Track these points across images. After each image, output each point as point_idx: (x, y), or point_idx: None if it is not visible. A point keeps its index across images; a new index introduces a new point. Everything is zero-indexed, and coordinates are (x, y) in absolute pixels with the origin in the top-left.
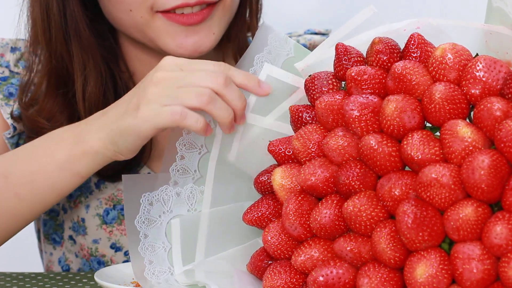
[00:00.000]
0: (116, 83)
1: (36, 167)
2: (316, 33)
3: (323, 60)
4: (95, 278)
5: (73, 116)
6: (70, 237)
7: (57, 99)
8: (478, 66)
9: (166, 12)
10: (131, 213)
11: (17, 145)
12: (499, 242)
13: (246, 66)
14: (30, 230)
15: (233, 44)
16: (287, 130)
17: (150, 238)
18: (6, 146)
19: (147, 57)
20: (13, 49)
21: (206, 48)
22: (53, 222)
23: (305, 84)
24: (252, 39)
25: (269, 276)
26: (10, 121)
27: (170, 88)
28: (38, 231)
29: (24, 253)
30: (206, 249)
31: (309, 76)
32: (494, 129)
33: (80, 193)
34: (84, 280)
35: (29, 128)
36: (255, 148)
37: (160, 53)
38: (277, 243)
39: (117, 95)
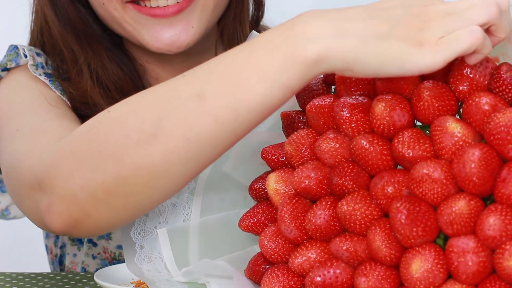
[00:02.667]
0: (130, 71)
1: (236, 85)
2: None
3: None
4: (95, 278)
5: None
6: (90, 240)
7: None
8: (465, 63)
9: (136, 3)
10: (127, 225)
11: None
12: (492, 233)
13: None
14: (30, 230)
15: (226, 38)
16: (281, 138)
17: (146, 249)
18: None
19: (145, 57)
20: (38, 54)
21: (185, 43)
22: None
23: None
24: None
25: (267, 280)
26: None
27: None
28: None
29: (24, 253)
30: (199, 258)
31: None
32: (483, 123)
33: None
34: (84, 280)
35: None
36: (251, 160)
37: (166, 57)
38: (273, 247)
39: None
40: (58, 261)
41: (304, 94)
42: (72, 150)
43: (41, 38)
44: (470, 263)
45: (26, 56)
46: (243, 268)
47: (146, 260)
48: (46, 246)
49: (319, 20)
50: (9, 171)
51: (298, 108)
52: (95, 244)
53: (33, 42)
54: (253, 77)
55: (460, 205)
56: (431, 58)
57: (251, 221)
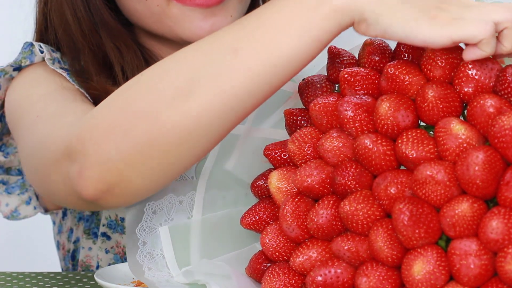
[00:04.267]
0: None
1: (268, 40)
2: None
3: (316, 64)
4: (95, 278)
5: None
6: (104, 234)
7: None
8: (470, 64)
9: None
10: (133, 222)
11: None
12: (495, 237)
13: None
14: (30, 231)
15: None
16: (284, 136)
17: (149, 245)
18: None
19: (164, 53)
20: (53, 50)
21: None
22: (94, 217)
23: (299, 88)
24: None
25: (268, 278)
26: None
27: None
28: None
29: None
30: (201, 255)
31: (303, 80)
32: (488, 126)
33: None
34: (84, 280)
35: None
36: (254, 158)
37: (176, 45)
38: (275, 245)
39: None
40: (71, 257)
41: (308, 92)
42: (104, 114)
43: (54, 38)
44: (472, 266)
45: (42, 52)
46: (244, 266)
47: (147, 257)
48: (58, 242)
49: None
50: (31, 154)
51: (301, 106)
52: (109, 238)
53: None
54: (284, 32)
55: (463, 208)
56: (438, 32)
57: (253, 218)
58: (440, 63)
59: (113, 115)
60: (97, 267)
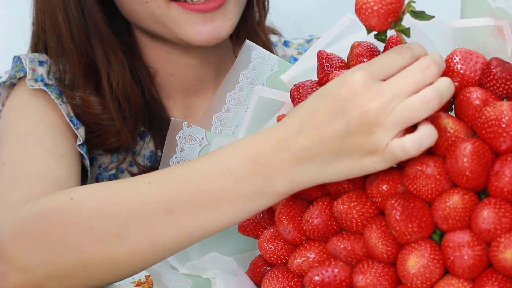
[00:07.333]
0: (138, 76)
1: (206, 207)
2: None
3: (307, 70)
4: None
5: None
6: None
7: (91, 89)
8: (455, 59)
9: (180, 1)
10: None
11: (88, 154)
12: (487, 227)
13: (231, 83)
14: None
15: (243, 39)
16: None
17: None
18: (78, 156)
19: (164, 52)
20: (41, 63)
21: (224, 34)
22: None
23: (290, 93)
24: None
25: (267, 281)
26: (73, 120)
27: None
28: None
29: None
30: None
31: (294, 85)
32: (475, 118)
33: None
34: None
35: (84, 113)
36: None
37: (176, 45)
38: (273, 249)
39: (141, 89)
40: None
41: (300, 97)
42: (35, 228)
43: (46, 43)
44: (466, 257)
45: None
46: (244, 271)
47: None
48: None
49: (277, 155)
50: None
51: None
52: None
53: (34, 47)
54: (224, 204)
55: (455, 200)
56: (383, 165)
57: (250, 223)
58: None
59: (43, 234)
60: None
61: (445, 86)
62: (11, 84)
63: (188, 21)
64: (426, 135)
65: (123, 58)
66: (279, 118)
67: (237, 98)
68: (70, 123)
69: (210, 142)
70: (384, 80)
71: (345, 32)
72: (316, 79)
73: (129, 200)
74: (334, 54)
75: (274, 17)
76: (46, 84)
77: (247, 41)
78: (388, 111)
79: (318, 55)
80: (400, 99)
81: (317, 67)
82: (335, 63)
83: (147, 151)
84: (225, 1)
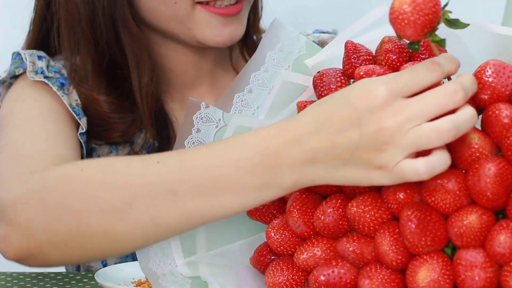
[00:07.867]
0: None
1: (211, 194)
2: (324, 33)
3: (333, 57)
4: (96, 278)
5: (122, 95)
6: None
7: (104, 82)
8: (488, 71)
9: (206, 4)
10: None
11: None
12: (502, 251)
13: (257, 63)
14: None
15: (242, 41)
16: None
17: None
18: (80, 144)
19: (164, 48)
20: (40, 57)
21: (239, 37)
22: None
23: (313, 81)
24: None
25: (271, 272)
26: (77, 109)
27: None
28: None
29: None
30: (206, 243)
31: (318, 72)
32: (502, 136)
33: None
34: (84, 280)
35: (89, 108)
36: None
37: (178, 42)
38: (280, 240)
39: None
40: None
41: (322, 86)
42: (41, 196)
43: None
44: (477, 278)
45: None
46: (249, 256)
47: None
48: None
49: (288, 151)
50: None
51: (315, 99)
52: None
53: (32, 45)
54: (229, 192)
55: (472, 219)
56: (390, 181)
57: (260, 209)
58: None
59: (49, 201)
60: (104, 265)
61: (466, 119)
62: (10, 84)
63: (209, 24)
64: (440, 161)
65: (151, 61)
66: (299, 105)
67: (261, 79)
68: (72, 112)
69: (227, 123)
70: (408, 96)
71: (377, 23)
72: (341, 67)
73: (137, 177)
74: (363, 46)
75: (270, 15)
76: (46, 77)
77: (276, 19)
78: (403, 131)
79: (346, 45)
80: (419, 121)
81: (344, 57)
82: (363, 55)
83: (145, 142)
84: (243, 8)
